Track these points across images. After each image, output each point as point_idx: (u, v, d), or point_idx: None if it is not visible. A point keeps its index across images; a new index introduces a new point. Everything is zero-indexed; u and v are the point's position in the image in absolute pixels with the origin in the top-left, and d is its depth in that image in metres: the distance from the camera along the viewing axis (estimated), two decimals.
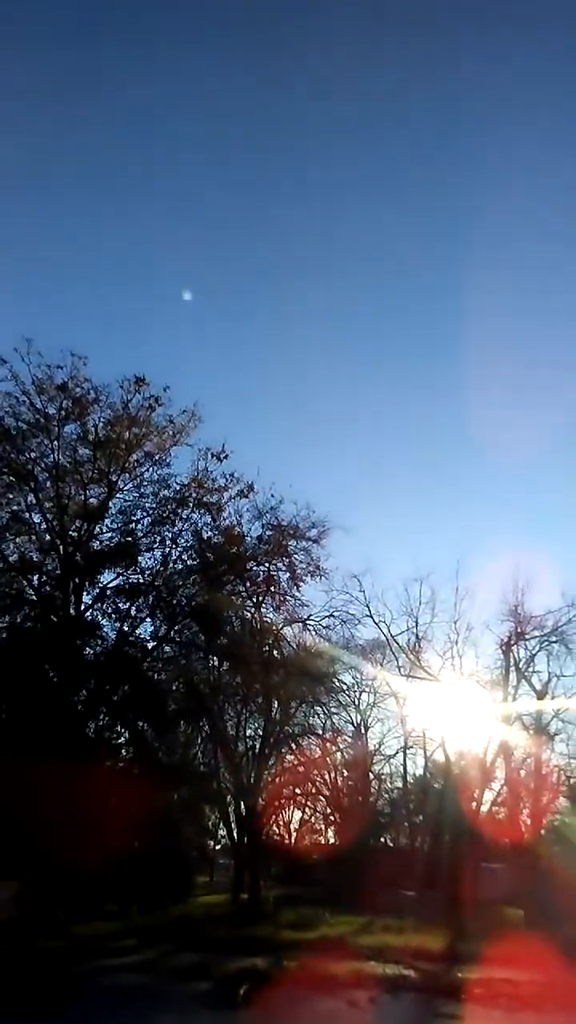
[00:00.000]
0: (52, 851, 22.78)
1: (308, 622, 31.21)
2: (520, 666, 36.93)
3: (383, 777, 47.90)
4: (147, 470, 29.33)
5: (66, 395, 27.75)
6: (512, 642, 36.53)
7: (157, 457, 29.24)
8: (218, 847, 52.11)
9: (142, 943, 21.27)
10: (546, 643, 36.41)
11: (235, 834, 35.25)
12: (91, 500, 28.94)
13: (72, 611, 27.96)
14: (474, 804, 37.36)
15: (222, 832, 42.63)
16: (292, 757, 36.17)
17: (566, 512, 77.15)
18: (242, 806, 33.38)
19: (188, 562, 29.50)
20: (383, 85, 59.26)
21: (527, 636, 36.57)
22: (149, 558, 29.34)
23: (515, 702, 37.14)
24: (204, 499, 29.13)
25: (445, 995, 14.95)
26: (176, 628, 29.72)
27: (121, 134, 64.15)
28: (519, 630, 36.40)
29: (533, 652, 36.92)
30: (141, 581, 28.95)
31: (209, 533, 29.58)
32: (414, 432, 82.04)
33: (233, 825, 35.39)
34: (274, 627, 31.41)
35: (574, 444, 78.32)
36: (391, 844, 51.14)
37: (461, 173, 67.92)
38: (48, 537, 28.72)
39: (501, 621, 36.64)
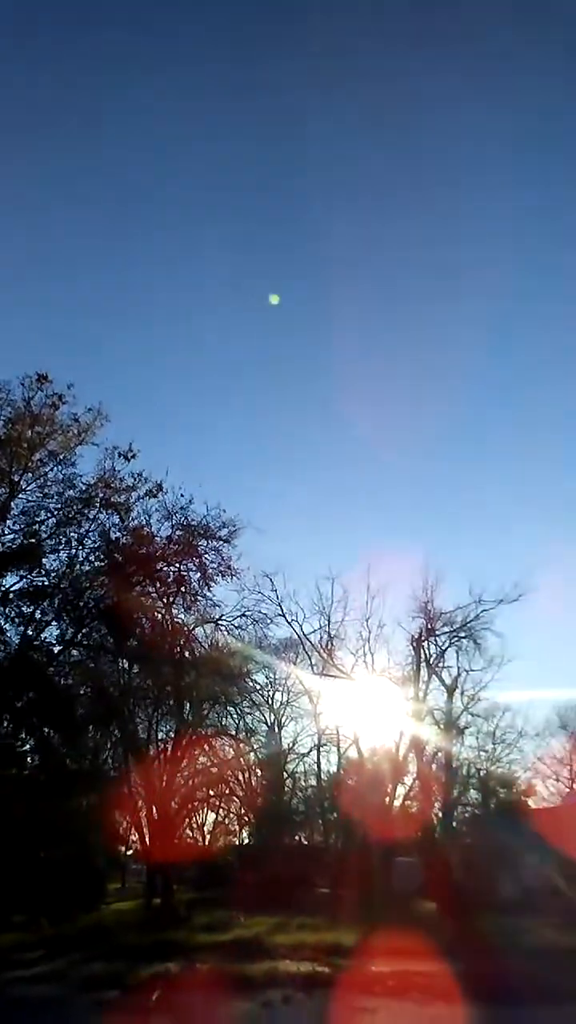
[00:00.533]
0: None
1: (220, 622, 30.95)
2: (430, 662, 37.55)
3: (297, 775, 48.09)
4: (51, 470, 28.51)
5: None
6: (422, 638, 37.14)
7: (61, 456, 28.45)
8: (130, 852, 51.27)
9: (51, 953, 20.62)
10: (455, 639, 37.17)
11: (147, 839, 34.64)
12: None
13: None
14: (386, 799, 37.76)
15: (134, 837, 41.88)
16: (205, 759, 35.83)
17: (474, 510, 79.23)
18: (154, 810, 32.81)
19: (95, 563, 28.77)
20: None
21: (437, 632, 37.23)
22: (54, 559, 28.51)
23: (426, 698, 37.76)
24: (111, 499, 28.48)
25: (359, 990, 14.94)
26: (83, 631, 28.99)
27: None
28: (429, 627, 37.04)
29: (443, 648, 37.64)
30: (46, 583, 28.13)
31: (117, 534, 28.95)
32: (323, 432, 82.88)
33: (145, 830, 34.77)
34: (185, 628, 31.03)
35: (481, 443, 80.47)
36: (306, 842, 51.34)
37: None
38: None
39: (412, 618, 37.23)
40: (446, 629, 37.10)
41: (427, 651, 37.46)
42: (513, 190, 68.76)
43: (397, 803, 38.53)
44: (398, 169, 70.89)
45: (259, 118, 69.10)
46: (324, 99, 65.16)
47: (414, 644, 37.20)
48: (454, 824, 40.90)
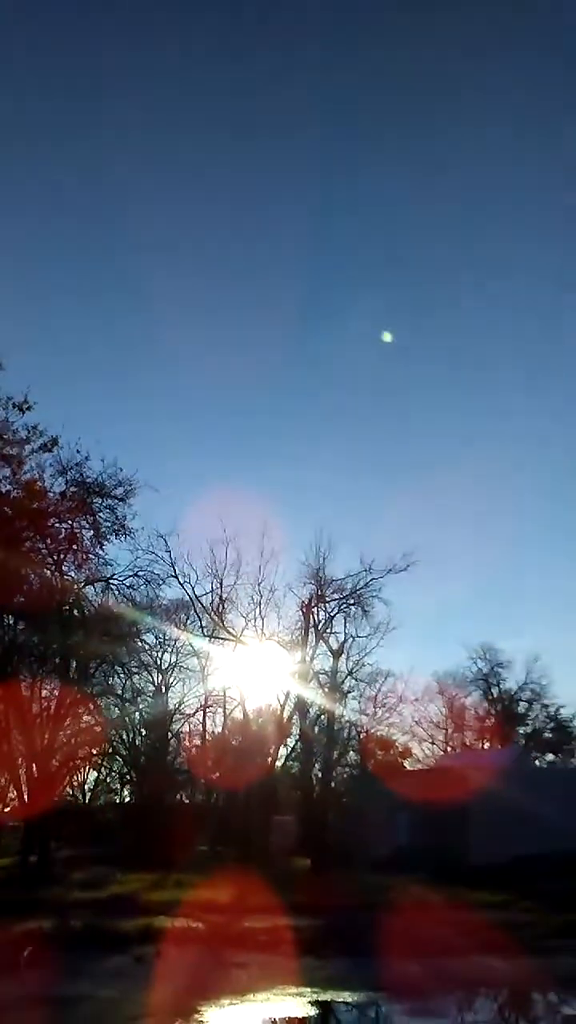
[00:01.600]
0: None
1: (111, 581, 30.69)
2: (319, 627, 38.22)
3: (182, 735, 48.32)
4: None
5: None
6: (312, 604, 37.72)
7: None
8: (7, 809, 50.63)
9: None
10: (344, 606, 37.87)
11: (26, 796, 34.31)
12: None
13: None
14: (269, 760, 38.49)
15: (12, 795, 41.41)
16: (89, 717, 35.63)
17: (368, 478, 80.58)
18: (34, 768, 32.47)
19: None
20: None
21: (327, 599, 37.87)
22: None
23: (312, 662, 38.49)
24: (3, 451, 27.58)
25: (231, 945, 15.33)
26: None
27: None
28: (319, 593, 37.63)
29: (332, 614, 38.31)
30: None
31: (7, 487, 28.14)
32: (223, 393, 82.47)
33: (24, 787, 34.42)
34: (75, 586, 30.60)
35: (375, 415, 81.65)
36: (187, 801, 51.82)
37: None
38: None
39: (303, 584, 37.72)
40: (336, 596, 37.80)
41: (316, 617, 38.13)
42: None
43: (279, 764, 39.36)
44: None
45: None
46: None
47: (304, 609, 37.80)
48: (333, 784, 42.00)
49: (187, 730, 48.15)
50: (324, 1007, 11.51)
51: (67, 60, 65.11)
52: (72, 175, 70.08)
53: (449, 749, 57.18)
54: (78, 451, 27.98)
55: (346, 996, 12.04)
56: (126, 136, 67.20)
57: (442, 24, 60.20)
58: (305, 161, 69.24)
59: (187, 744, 48.85)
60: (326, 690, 38.84)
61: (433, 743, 58.77)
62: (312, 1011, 11.24)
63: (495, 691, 59.71)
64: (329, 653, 38.66)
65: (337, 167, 73.87)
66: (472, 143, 70.75)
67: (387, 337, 64.46)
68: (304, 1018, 10.99)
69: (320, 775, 40.55)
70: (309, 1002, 11.51)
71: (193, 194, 75.92)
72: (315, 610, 37.95)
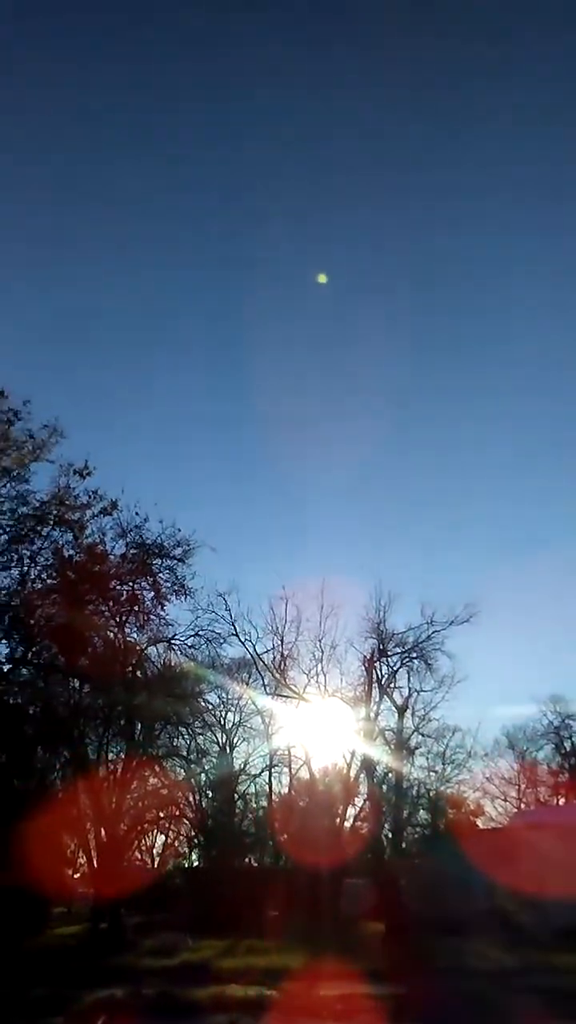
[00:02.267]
0: None
1: (173, 642, 30.87)
2: (382, 682, 37.73)
3: (248, 797, 47.78)
4: (4, 486, 28.13)
5: None
6: (374, 659, 37.32)
7: (15, 473, 28.11)
8: (77, 876, 50.42)
9: None
10: (407, 659, 37.40)
11: (95, 861, 34.18)
12: None
13: None
14: (337, 820, 37.76)
15: (82, 860, 41.23)
16: (155, 780, 35.52)
17: (426, 529, 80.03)
18: (102, 832, 32.41)
19: (48, 581, 28.46)
20: None
21: (389, 653, 37.44)
22: (5, 577, 28.12)
23: (377, 718, 37.91)
24: (65, 516, 28.25)
25: (306, 1014, 14.92)
26: (34, 650, 28.70)
27: None
28: (381, 647, 37.25)
29: (395, 668, 37.84)
30: None
31: (71, 551, 28.71)
32: (273, 451, 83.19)
33: (93, 852, 34.31)
34: (138, 647, 30.90)
35: (433, 464, 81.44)
36: (256, 864, 50.96)
37: None
38: None
39: (364, 638, 37.42)
40: (398, 650, 37.36)
41: (379, 672, 37.67)
42: None
43: (347, 824, 38.56)
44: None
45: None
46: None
47: (366, 665, 37.40)
48: (404, 845, 41.00)
49: (253, 791, 47.68)
50: None
51: None
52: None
53: (522, 806, 55.35)
54: (137, 513, 28.61)
55: None
56: None
57: None
58: None
59: (254, 805, 48.29)
60: (392, 747, 38.18)
61: (505, 800, 56.99)
62: None
63: (567, 744, 57.86)
64: (394, 709, 38.13)
65: None
66: None
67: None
68: None
69: (390, 835, 39.62)
70: None
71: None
72: (378, 665, 37.54)
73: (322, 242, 74.07)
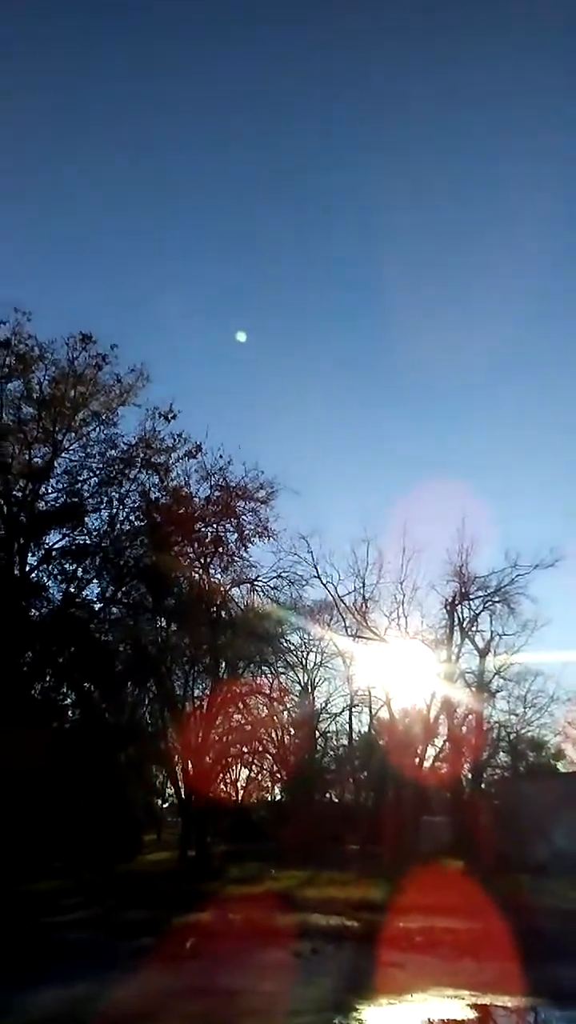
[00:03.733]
0: None
1: (256, 583, 31.44)
2: (464, 625, 37.68)
3: (329, 735, 48.69)
4: (93, 429, 28.91)
5: (9, 352, 27.18)
6: (456, 602, 37.28)
7: (104, 416, 28.82)
8: (166, 805, 52.52)
9: (89, 900, 21.37)
10: (489, 603, 37.24)
11: (182, 792, 35.51)
12: (35, 460, 28.47)
13: (17, 572, 27.62)
14: (417, 760, 38.22)
15: (170, 791, 42.91)
16: (239, 716, 36.48)
17: (509, 473, 78.54)
18: (189, 765, 33.57)
19: (135, 523, 29.26)
20: None
21: (471, 596, 37.34)
22: (96, 519, 29.06)
23: (458, 660, 37.96)
24: (152, 459, 28.84)
25: (387, 944, 15.34)
26: (123, 590, 29.59)
27: None
28: (463, 590, 37.16)
29: (476, 612, 37.78)
30: (88, 542, 28.70)
31: (157, 494, 29.38)
32: (360, 394, 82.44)
33: (181, 784, 35.63)
34: (222, 588, 31.50)
35: (518, 410, 79.52)
36: (336, 800, 52.11)
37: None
38: None
39: (446, 582, 37.38)
40: (480, 593, 37.25)
41: (460, 615, 37.67)
42: None
43: (427, 764, 38.99)
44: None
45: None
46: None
47: (448, 608, 37.41)
48: (483, 786, 41.25)
49: (334, 729, 48.51)
50: (483, 1011, 11.35)
51: None
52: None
53: None
54: (220, 456, 28.89)
55: (506, 1000, 11.83)
56: None
57: None
58: None
59: (334, 743, 49.18)
60: (473, 690, 38.24)
61: None
62: (471, 1014, 11.11)
63: None
64: (475, 652, 38.09)
65: None
66: None
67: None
68: (463, 1020, 10.87)
69: (470, 776, 39.92)
70: (468, 1005, 11.38)
71: None
72: (459, 608, 37.51)
73: None
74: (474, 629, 37.99)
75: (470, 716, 39.41)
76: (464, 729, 39.66)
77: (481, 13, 61.10)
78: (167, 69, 66.67)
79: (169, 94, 69.81)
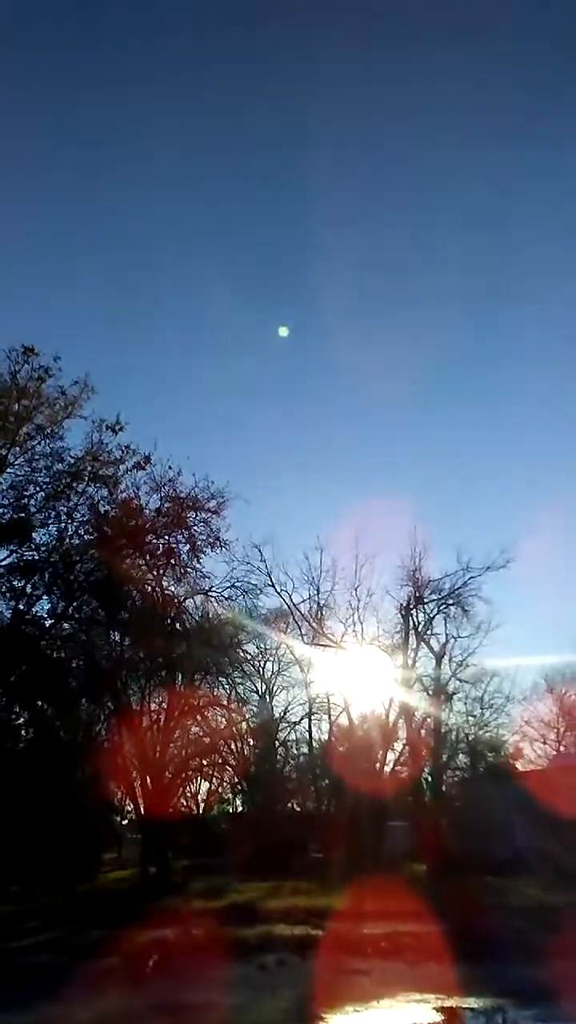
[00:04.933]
0: None
1: (210, 593, 31.25)
2: (419, 629, 37.89)
3: (289, 744, 48.53)
4: (39, 443, 28.32)
5: None
6: (411, 606, 37.47)
7: (49, 430, 28.26)
8: (125, 822, 51.84)
9: (48, 923, 20.99)
10: (443, 606, 37.48)
11: (142, 808, 35.09)
12: None
13: None
14: (377, 765, 38.26)
15: (129, 807, 42.35)
16: (197, 728, 36.20)
17: (460, 477, 79.47)
18: (148, 780, 33.18)
19: (85, 537, 28.77)
20: None
21: (425, 600, 37.54)
22: (44, 534, 28.48)
23: (415, 665, 38.15)
24: (100, 472, 28.45)
25: (352, 952, 15.27)
26: (75, 604, 29.14)
27: None
28: (417, 594, 37.35)
29: (431, 615, 38.00)
30: (36, 557, 28.14)
31: (106, 507, 28.97)
32: (308, 401, 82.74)
33: (140, 799, 35.20)
34: (176, 599, 31.29)
35: (465, 409, 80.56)
36: (298, 808, 51.94)
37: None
38: None
39: (400, 586, 37.53)
40: (434, 597, 37.48)
41: (416, 619, 37.85)
42: None
43: (387, 769, 39.06)
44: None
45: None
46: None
47: (403, 612, 37.57)
48: (443, 788, 41.46)
49: (294, 738, 48.40)
50: (450, 1013, 11.33)
51: None
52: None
53: (562, 748, 55.57)
54: (170, 467, 28.70)
55: (471, 1002, 11.82)
56: None
57: None
58: None
59: (294, 752, 49.04)
60: (430, 693, 38.45)
61: (545, 743, 57.24)
62: (438, 1017, 11.08)
63: None
64: (431, 655, 38.31)
65: None
66: None
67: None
68: None
69: (430, 779, 40.09)
70: (434, 1008, 11.36)
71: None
72: (414, 612, 37.71)
73: None
74: (429, 633, 38.26)
75: (428, 720, 39.61)
76: (423, 733, 39.84)
77: None
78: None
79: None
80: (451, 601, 37.05)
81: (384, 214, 74.04)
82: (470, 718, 42.84)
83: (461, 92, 66.09)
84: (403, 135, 69.64)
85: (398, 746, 40.33)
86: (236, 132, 70.98)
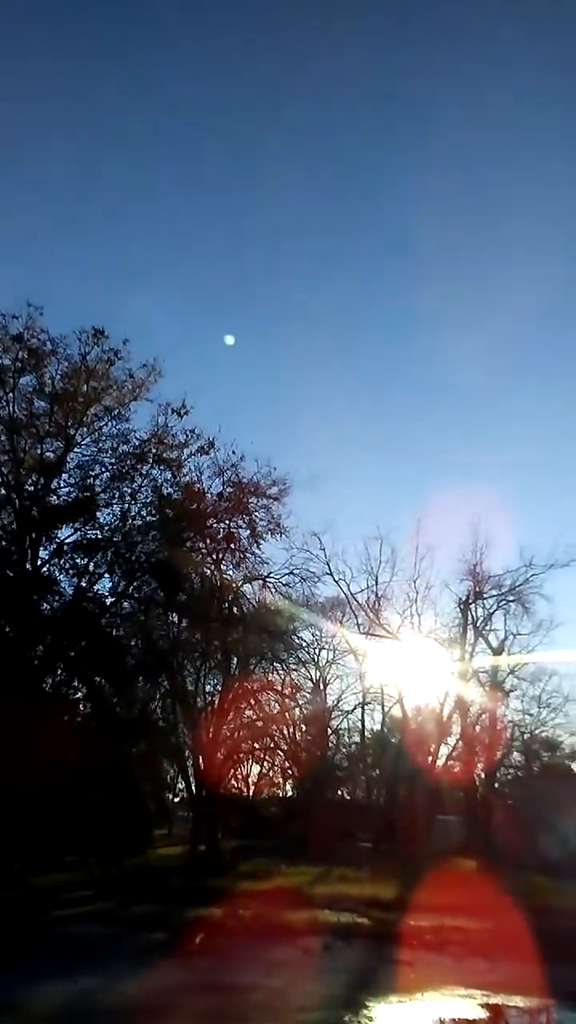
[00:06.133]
0: (10, 804, 22.76)
1: (268, 579, 31.30)
2: (477, 624, 37.50)
3: (341, 732, 48.60)
4: (106, 424, 28.83)
5: (22, 346, 27.14)
6: (470, 601, 37.09)
7: (116, 412, 28.74)
8: (177, 800, 52.51)
9: (99, 894, 21.44)
10: (503, 602, 37.04)
11: (193, 787, 35.51)
12: (48, 454, 28.45)
13: (29, 566, 27.61)
14: (430, 758, 38.05)
15: (181, 785, 42.90)
16: (251, 712, 36.44)
17: (526, 472, 78.04)
18: (200, 760, 33.55)
19: (147, 518, 29.15)
20: None
21: (485, 595, 37.15)
22: (108, 514, 28.98)
23: (472, 659, 37.75)
24: (164, 455, 28.79)
25: (397, 942, 15.23)
26: (135, 584, 29.53)
27: None
28: (477, 589, 36.98)
29: (490, 611, 37.59)
30: (99, 537, 28.60)
31: (169, 489, 29.28)
32: (375, 389, 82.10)
33: (192, 779, 35.63)
34: (234, 584, 31.43)
35: (537, 407, 79.06)
36: (348, 797, 52.07)
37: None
38: (3, 491, 28.18)
39: (460, 580, 37.23)
40: (494, 592, 37.04)
41: (474, 614, 37.47)
42: None
43: (440, 762, 38.81)
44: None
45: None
46: None
47: (461, 606, 37.22)
48: (496, 785, 41.05)
49: (346, 727, 48.43)
50: (494, 1010, 11.22)
51: None
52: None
53: None
54: (233, 452, 28.87)
55: (517, 1000, 11.70)
56: None
57: None
58: None
59: (346, 740, 49.09)
60: (486, 689, 38.04)
61: None
62: (482, 1014, 10.99)
63: None
64: (489, 651, 37.88)
65: None
66: None
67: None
68: (474, 1020, 10.74)
69: (483, 776, 39.73)
70: (479, 1004, 11.26)
71: None
72: (473, 607, 37.30)
73: None
74: (488, 628, 37.85)
75: (484, 715, 39.23)
76: (478, 728, 39.46)
77: None
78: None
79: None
80: (511, 597, 36.62)
81: None
82: (527, 716, 42.27)
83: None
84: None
85: (452, 740, 40.09)
86: None
